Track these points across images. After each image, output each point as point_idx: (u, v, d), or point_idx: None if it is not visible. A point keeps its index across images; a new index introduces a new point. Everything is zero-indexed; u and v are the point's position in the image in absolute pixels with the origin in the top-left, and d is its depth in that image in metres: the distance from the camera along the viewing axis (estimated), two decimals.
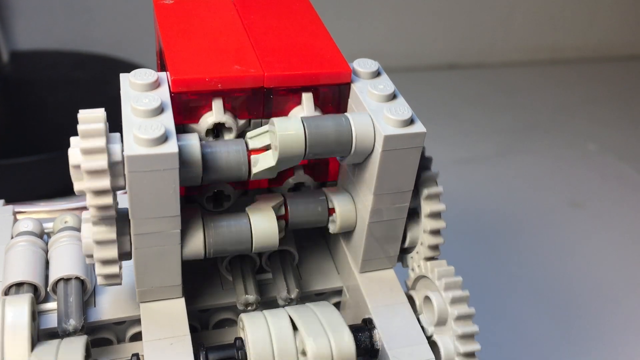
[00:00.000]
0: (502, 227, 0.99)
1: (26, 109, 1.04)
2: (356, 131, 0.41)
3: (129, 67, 1.11)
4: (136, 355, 0.41)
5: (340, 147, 0.41)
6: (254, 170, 0.41)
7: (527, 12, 1.42)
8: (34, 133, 0.99)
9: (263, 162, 0.41)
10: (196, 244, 0.42)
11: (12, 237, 0.48)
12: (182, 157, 0.38)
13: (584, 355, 0.78)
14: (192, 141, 0.40)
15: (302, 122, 0.41)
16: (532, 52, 1.47)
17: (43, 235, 0.49)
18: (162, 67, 0.47)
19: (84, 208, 0.53)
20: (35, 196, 0.86)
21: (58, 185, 0.91)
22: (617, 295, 0.87)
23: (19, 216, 0.52)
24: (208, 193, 0.45)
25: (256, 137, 0.42)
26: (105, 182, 0.37)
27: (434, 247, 0.46)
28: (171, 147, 0.37)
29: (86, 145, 0.36)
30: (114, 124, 0.39)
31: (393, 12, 1.34)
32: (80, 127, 0.36)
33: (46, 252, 0.47)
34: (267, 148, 0.41)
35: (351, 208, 0.45)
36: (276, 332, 0.40)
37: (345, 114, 0.42)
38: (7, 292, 0.44)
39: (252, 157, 0.41)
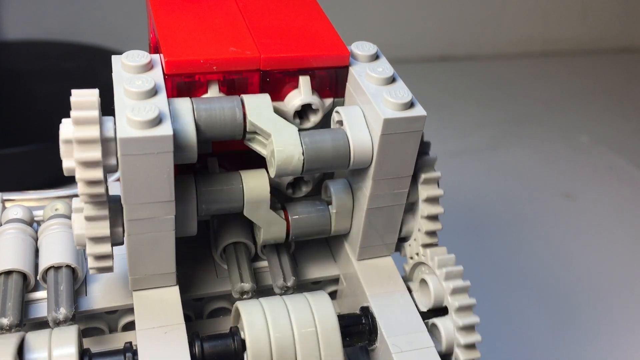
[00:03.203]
0: (494, 220, 0.98)
1: (14, 99, 1.02)
2: (354, 145, 0.41)
3: None
4: (129, 344, 0.40)
5: (338, 162, 0.41)
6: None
7: (519, 5, 1.42)
8: (22, 124, 0.98)
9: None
10: (190, 222, 0.42)
11: (0, 225, 0.47)
12: (175, 123, 0.37)
13: (575, 345, 0.77)
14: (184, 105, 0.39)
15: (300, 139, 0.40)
16: (524, 45, 1.46)
17: (33, 223, 0.48)
18: (154, 53, 0.46)
19: (74, 196, 0.52)
20: (23, 187, 0.84)
21: (46, 176, 0.90)
22: (609, 286, 0.86)
23: (7, 204, 0.51)
24: None
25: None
26: (96, 153, 0.35)
27: (432, 234, 0.45)
28: (165, 129, 0.36)
29: (78, 115, 0.35)
30: (105, 112, 0.38)
31: (384, 4, 1.33)
32: (73, 99, 0.36)
33: (36, 240, 0.46)
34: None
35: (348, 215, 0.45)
36: (273, 319, 0.39)
37: (342, 128, 0.42)
38: None
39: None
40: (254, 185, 0.42)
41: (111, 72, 0.40)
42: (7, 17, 1.17)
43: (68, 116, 0.36)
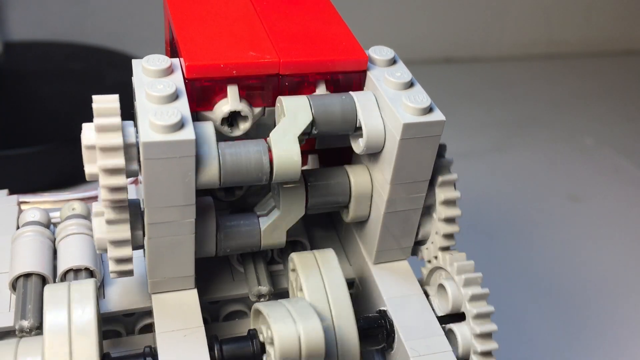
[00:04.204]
0: (499, 222, 0.98)
1: (19, 100, 1.02)
2: (361, 108, 0.41)
3: (123, 58, 1.10)
4: (149, 347, 0.40)
5: (346, 125, 0.42)
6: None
7: (523, 6, 1.42)
8: (28, 125, 0.98)
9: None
10: (208, 242, 0.42)
11: (17, 227, 0.47)
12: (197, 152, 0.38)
13: (583, 348, 0.77)
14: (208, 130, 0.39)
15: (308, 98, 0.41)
16: (529, 47, 1.46)
17: (49, 225, 0.48)
18: (172, 56, 0.46)
19: (90, 198, 0.52)
20: (31, 188, 0.84)
21: (54, 177, 0.90)
22: (616, 289, 0.87)
23: (23, 206, 0.51)
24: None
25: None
26: (119, 161, 0.36)
27: (449, 236, 0.46)
28: (188, 134, 0.36)
29: (101, 122, 0.35)
30: None
31: (389, 5, 1.33)
32: (95, 106, 0.36)
33: (53, 241, 0.46)
34: None
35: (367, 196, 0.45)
36: (300, 318, 0.39)
37: (350, 92, 0.42)
38: (14, 283, 0.43)
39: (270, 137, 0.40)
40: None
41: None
42: (13, 18, 1.17)
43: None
